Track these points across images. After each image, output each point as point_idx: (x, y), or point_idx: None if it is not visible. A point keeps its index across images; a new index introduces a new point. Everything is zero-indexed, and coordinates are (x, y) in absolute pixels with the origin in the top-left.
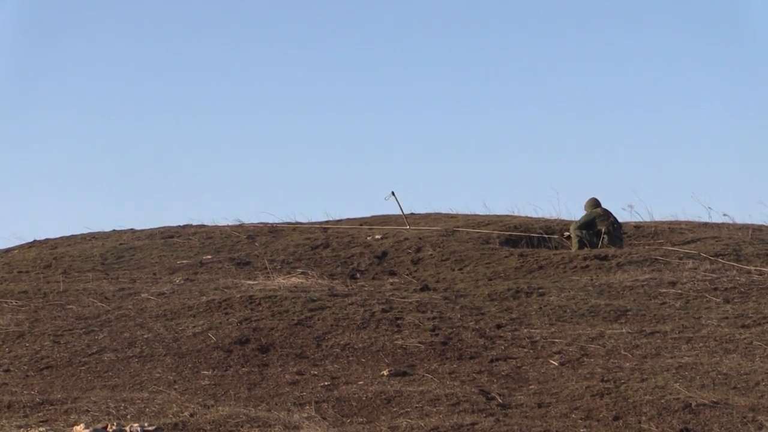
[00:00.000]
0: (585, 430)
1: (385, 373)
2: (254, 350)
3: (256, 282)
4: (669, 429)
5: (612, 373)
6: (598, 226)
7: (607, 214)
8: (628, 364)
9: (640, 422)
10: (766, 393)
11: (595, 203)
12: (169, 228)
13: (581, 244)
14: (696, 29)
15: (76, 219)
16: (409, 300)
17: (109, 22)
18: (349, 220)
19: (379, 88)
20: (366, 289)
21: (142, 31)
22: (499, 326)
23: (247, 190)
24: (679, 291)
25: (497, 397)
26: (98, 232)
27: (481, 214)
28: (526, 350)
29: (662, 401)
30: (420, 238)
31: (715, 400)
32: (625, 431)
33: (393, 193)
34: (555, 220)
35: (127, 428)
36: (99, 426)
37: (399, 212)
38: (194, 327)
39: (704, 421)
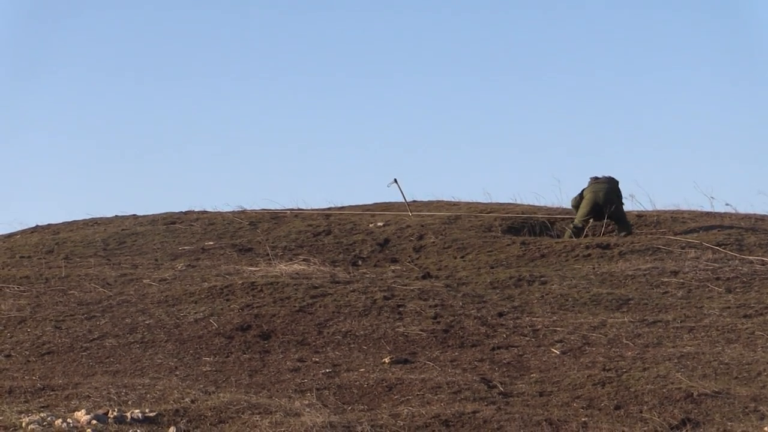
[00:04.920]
0: (586, 418)
1: (387, 360)
2: (255, 337)
3: (257, 268)
4: (670, 418)
5: (614, 362)
6: (583, 193)
7: (602, 180)
8: (629, 353)
9: (641, 411)
10: (767, 383)
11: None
12: (172, 214)
13: (576, 234)
14: (700, 20)
15: (79, 204)
16: (411, 287)
17: (106, 10)
18: (351, 207)
19: (382, 75)
20: (368, 276)
21: (142, 17)
22: (500, 314)
23: (249, 177)
24: (681, 280)
25: (499, 385)
26: (100, 218)
27: (483, 202)
28: (527, 338)
29: (664, 390)
30: (422, 226)
31: (716, 390)
32: (627, 420)
33: (395, 180)
34: (557, 208)
35: (128, 414)
36: (100, 412)
37: (401, 199)
38: (196, 313)
39: (706, 410)
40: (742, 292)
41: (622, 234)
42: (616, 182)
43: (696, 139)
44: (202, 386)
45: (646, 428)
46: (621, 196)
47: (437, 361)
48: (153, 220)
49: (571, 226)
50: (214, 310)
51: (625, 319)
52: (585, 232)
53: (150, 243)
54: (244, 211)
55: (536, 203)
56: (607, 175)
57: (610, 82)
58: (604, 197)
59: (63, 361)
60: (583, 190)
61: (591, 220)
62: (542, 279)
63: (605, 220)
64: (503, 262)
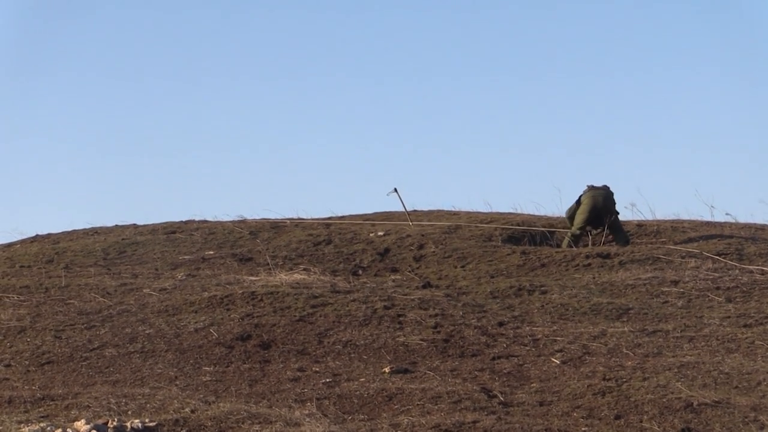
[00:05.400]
0: (586, 428)
1: (387, 370)
2: (256, 346)
3: (258, 278)
4: (670, 428)
5: (614, 372)
6: (581, 200)
7: (600, 187)
8: (629, 362)
9: (641, 421)
10: (767, 393)
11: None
12: (172, 223)
13: (574, 242)
14: (702, 27)
15: (79, 214)
16: (411, 297)
17: (108, 16)
18: (351, 216)
19: (381, 84)
20: (368, 285)
21: (141, 28)
22: (501, 324)
23: (249, 186)
24: (681, 290)
25: (499, 395)
26: (100, 227)
27: (483, 211)
28: (527, 348)
29: (664, 400)
30: (422, 235)
31: (716, 400)
32: (627, 430)
33: (395, 190)
34: (557, 218)
35: (128, 424)
36: (100, 421)
37: (402, 209)
38: (196, 323)
39: (706, 420)
40: (742, 302)
41: (621, 244)
42: (611, 192)
43: (696, 148)
44: (202, 396)
45: None
46: (615, 204)
47: (437, 370)
48: (153, 229)
49: (569, 234)
50: (215, 319)
51: (625, 328)
52: (582, 241)
53: (150, 252)
54: (244, 221)
55: (536, 213)
56: (602, 184)
57: (610, 92)
58: (604, 202)
59: (63, 370)
60: (579, 198)
61: (588, 228)
62: (542, 288)
63: (605, 230)
64: (503, 271)
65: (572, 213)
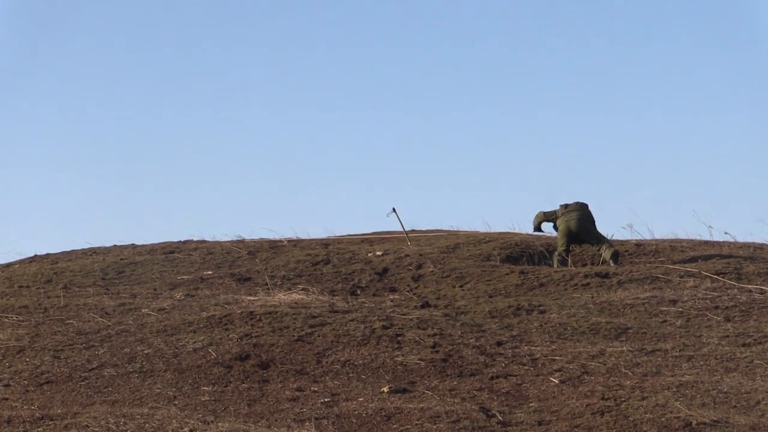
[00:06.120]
0: None
1: (386, 389)
2: (254, 366)
3: (256, 298)
4: None
5: (612, 391)
6: (557, 224)
7: (572, 208)
8: (628, 382)
9: None
10: (766, 412)
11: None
12: (170, 243)
13: (562, 262)
14: (699, 48)
15: (77, 234)
16: (410, 317)
17: (104, 35)
18: (350, 236)
19: (380, 105)
20: (366, 305)
21: (138, 46)
22: (499, 343)
23: (248, 206)
24: (680, 309)
25: (497, 414)
26: (99, 248)
27: (482, 231)
28: (526, 368)
29: (663, 419)
30: (421, 255)
31: (715, 419)
32: None
33: (394, 210)
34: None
35: None
36: None
37: (400, 229)
38: (194, 343)
39: None
40: (740, 321)
41: (609, 251)
42: (586, 206)
43: (694, 167)
44: (200, 416)
45: None
46: (593, 220)
47: (436, 390)
48: (152, 249)
49: (556, 254)
50: (213, 339)
51: (624, 348)
52: (569, 259)
53: (149, 272)
54: (242, 241)
55: (535, 232)
56: (576, 201)
57: (608, 111)
58: (577, 225)
59: (62, 390)
60: (555, 218)
61: (571, 247)
62: (541, 308)
63: (596, 249)
64: (502, 291)
65: (539, 221)
